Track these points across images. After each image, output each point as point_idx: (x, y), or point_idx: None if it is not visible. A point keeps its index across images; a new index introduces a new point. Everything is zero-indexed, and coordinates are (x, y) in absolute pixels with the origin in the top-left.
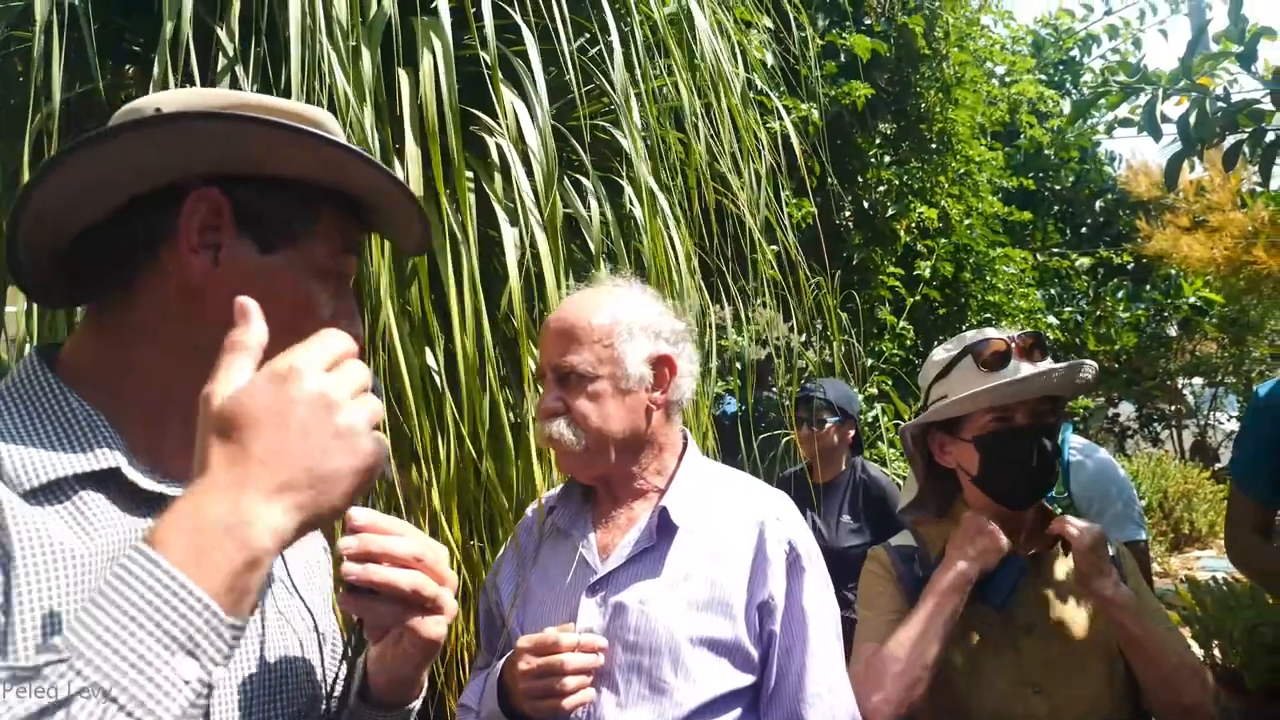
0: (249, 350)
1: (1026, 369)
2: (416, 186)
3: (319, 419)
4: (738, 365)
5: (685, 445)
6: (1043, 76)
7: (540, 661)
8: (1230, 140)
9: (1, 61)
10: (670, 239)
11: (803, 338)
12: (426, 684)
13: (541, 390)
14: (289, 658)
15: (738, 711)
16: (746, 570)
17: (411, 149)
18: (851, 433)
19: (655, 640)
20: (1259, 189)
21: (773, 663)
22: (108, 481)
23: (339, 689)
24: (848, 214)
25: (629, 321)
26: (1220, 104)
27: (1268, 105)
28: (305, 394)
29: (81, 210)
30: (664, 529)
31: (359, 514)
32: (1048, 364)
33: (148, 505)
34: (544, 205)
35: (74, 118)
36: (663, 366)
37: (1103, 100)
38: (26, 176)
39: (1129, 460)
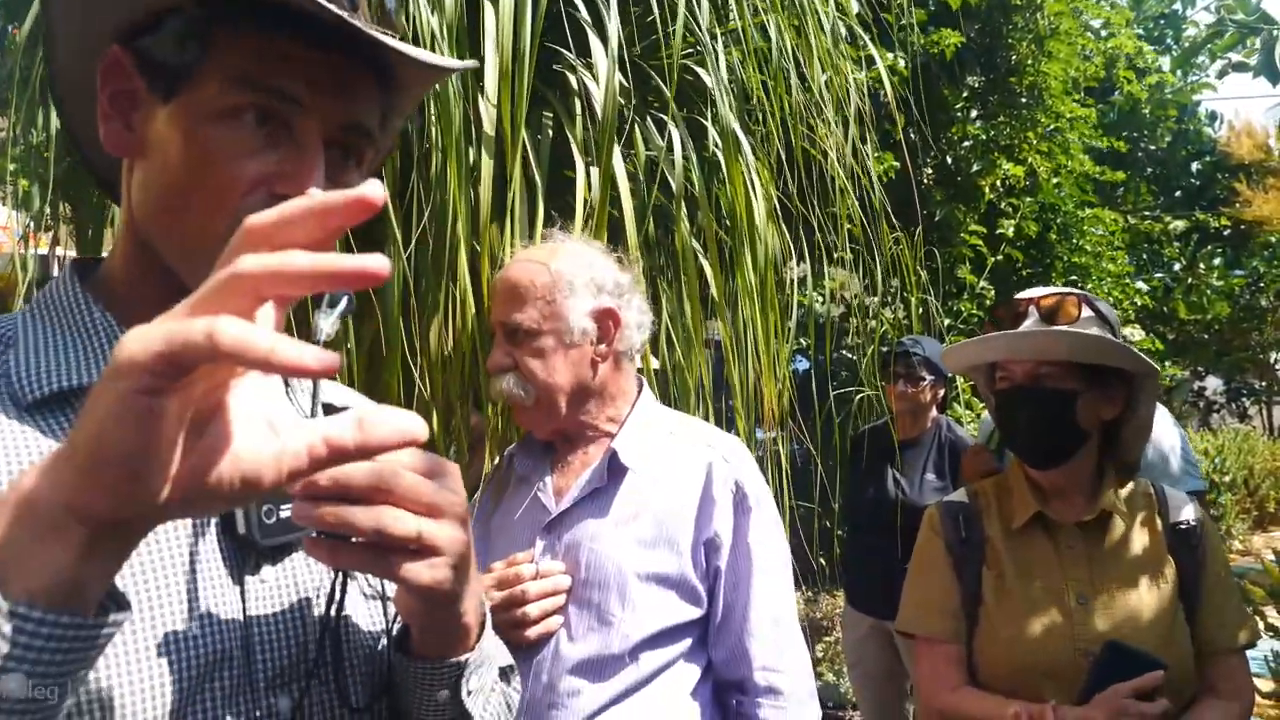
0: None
1: (1032, 329)
2: (490, 123)
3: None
4: (817, 321)
5: (640, 392)
6: (1140, 31)
7: (503, 595)
8: None
9: None
10: (751, 183)
11: (879, 296)
12: (480, 635)
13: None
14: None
15: (687, 642)
16: (694, 508)
17: (491, 85)
18: (941, 392)
19: (604, 575)
20: None
21: (719, 597)
22: None
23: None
24: (929, 170)
25: (570, 277)
26: None
27: None
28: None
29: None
30: (614, 470)
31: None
32: (1042, 326)
33: None
34: (605, 138)
35: None
36: (606, 319)
37: (1214, 44)
38: None
39: (1215, 435)
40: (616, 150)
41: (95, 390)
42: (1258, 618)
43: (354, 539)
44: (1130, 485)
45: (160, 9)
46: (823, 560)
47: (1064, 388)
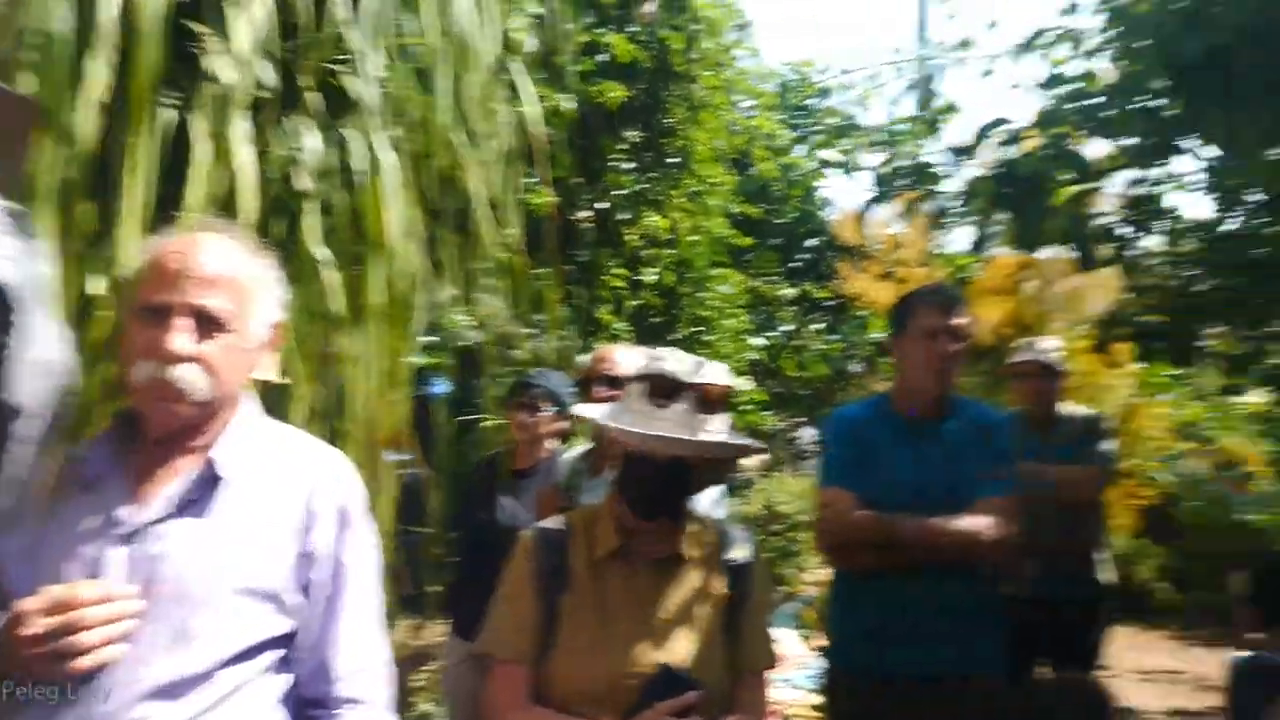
0: None
1: (683, 420)
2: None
3: None
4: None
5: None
6: (782, 117)
7: (54, 622)
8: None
9: None
10: (390, 197)
11: (522, 327)
12: None
13: (138, 327)
14: None
15: (276, 654)
16: (295, 522)
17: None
18: (562, 425)
19: (190, 591)
20: (940, 250)
21: (309, 611)
22: None
23: None
24: (582, 213)
25: (266, 281)
26: (906, 162)
27: (942, 170)
28: None
29: None
30: (210, 480)
31: None
32: (708, 429)
33: None
34: (227, 121)
35: None
36: (276, 333)
37: (816, 139)
38: None
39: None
40: (246, 142)
41: None
42: None
43: None
44: (700, 526)
45: None
46: (429, 589)
47: (698, 460)
